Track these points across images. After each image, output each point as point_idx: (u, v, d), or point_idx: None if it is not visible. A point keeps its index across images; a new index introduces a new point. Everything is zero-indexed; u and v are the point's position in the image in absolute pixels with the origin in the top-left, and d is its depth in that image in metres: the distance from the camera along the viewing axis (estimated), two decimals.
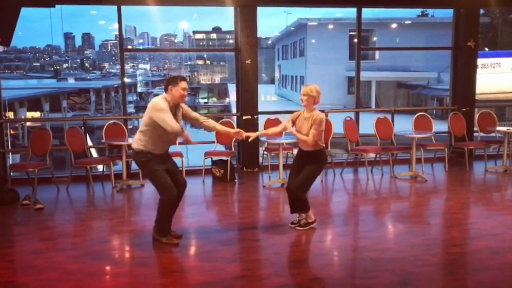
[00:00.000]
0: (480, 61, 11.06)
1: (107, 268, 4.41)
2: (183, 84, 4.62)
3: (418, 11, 30.59)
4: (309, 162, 5.09)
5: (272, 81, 43.42)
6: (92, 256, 4.57)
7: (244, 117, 8.22)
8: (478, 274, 4.17)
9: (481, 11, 20.11)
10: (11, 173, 7.33)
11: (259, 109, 8.37)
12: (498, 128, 8.58)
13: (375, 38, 26.41)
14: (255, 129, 8.27)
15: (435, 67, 24.14)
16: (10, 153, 8.87)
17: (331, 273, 4.28)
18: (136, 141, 4.70)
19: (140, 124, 4.76)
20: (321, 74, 25.24)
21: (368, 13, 30.69)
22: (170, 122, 4.49)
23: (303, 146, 5.14)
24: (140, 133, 4.68)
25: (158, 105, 4.53)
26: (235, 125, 8.24)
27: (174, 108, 4.68)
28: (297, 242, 5.01)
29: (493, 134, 8.79)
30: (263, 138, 7.76)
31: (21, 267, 4.51)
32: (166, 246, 4.76)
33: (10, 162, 8.20)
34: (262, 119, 8.33)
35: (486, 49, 25.23)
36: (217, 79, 59.68)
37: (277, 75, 40.46)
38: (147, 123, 4.61)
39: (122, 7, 7.82)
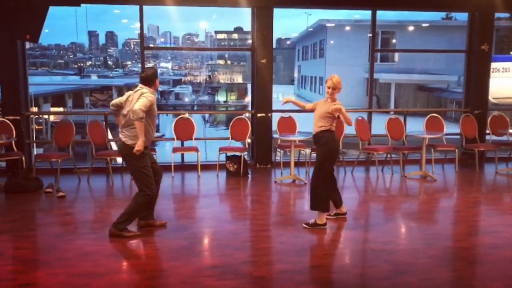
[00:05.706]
0: (501, 65, 11.06)
1: (123, 250, 4.72)
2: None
3: (442, 13, 30.39)
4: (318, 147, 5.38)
5: (291, 82, 43.57)
6: (109, 240, 4.88)
7: (259, 115, 8.48)
8: (474, 266, 4.35)
9: (507, 15, 19.94)
10: (36, 163, 7.72)
11: (278, 108, 8.58)
12: (511, 130, 8.64)
13: (394, 41, 26.39)
14: (269, 126, 8.54)
15: (455, 70, 23.97)
16: (35, 145, 9.28)
17: (332, 261, 4.52)
18: (128, 136, 4.85)
19: (126, 120, 4.87)
20: (341, 75, 24.87)
21: (390, 15, 30.65)
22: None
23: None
24: (131, 129, 4.82)
25: (154, 101, 4.86)
26: (249, 123, 8.48)
27: None
28: (303, 233, 5.22)
29: (505, 138, 8.86)
30: (276, 136, 8.02)
31: (43, 248, 4.85)
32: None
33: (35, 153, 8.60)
34: (275, 117, 8.59)
35: (511, 53, 24.95)
36: (236, 78, 60.05)
37: (296, 75, 40.62)
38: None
39: (144, 7, 8.17)
